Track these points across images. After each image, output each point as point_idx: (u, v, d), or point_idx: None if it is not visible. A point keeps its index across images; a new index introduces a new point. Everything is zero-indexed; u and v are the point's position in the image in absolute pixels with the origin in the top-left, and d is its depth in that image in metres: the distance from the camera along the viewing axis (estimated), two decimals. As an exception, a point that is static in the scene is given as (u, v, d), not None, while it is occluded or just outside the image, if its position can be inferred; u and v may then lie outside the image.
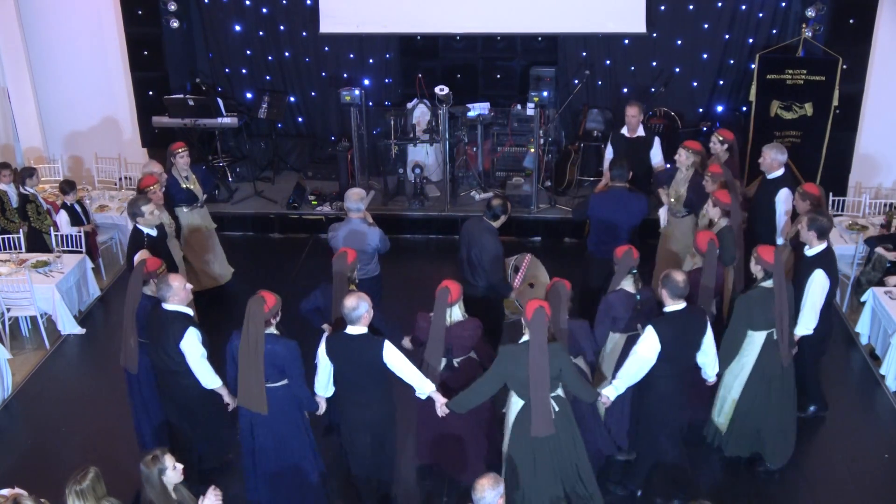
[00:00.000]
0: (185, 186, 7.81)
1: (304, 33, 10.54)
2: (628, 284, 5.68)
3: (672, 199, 7.36)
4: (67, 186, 8.46)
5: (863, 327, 7.55)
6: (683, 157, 7.21)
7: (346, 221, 6.62)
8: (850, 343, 7.61)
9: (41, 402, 6.97)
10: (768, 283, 5.53)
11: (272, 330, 5.15)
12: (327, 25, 10.27)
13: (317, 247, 9.52)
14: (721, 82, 10.43)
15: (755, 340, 5.69)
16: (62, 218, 8.38)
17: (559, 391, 5.06)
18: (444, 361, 5.54)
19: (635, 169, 7.56)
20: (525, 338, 4.93)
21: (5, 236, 8.15)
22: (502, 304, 6.76)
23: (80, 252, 8.27)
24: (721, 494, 5.82)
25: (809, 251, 6.02)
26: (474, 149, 10.21)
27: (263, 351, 5.03)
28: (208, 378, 5.49)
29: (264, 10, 10.45)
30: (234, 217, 9.98)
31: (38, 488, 4.99)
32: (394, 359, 5.10)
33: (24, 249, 8.14)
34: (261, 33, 10.61)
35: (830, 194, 8.99)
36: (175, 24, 10.10)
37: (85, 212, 8.67)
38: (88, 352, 7.72)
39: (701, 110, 10.52)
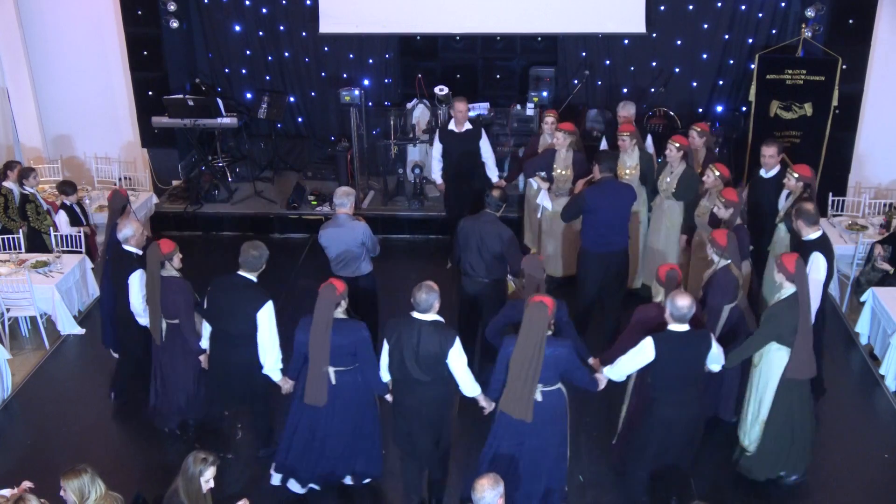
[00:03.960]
0: None
1: (304, 33, 10.54)
2: (661, 296, 5.64)
3: (559, 178, 7.87)
4: (68, 187, 8.44)
5: (862, 327, 7.55)
6: (711, 179, 7.10)
7: (333, 218, 6.67)
8: (850, 343, 7.61)
9: (41, 402, 6.96)
10: (790, 290, 5.45)
11: (340, 314, 5.21)
12: (327, 25, 10.27)
13: (316, 247, 9.44)
14: (721, 82, 10.43)
15: (778, 358, 5.58)
16: (61, 218, 8.37)
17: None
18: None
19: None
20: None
21: (5, 236, 8.14)
22: (506, 296, 6.77)
23: (80, 252, 8.26)
24: (720, 495, 5.82)
25: (806, 238, 6.12)
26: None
27: (329, 336, 5.12)
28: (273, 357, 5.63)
29: (264, 10, 10.45)
30: (234, 217, 9.98)
31: (38, 488, 4.99)
32: (457, 355, 5.12)
33: (23, 249, 8.14)
34: (260, 33, 10.61)
35: (830, 194, 9.01)
36: (175, 24, 10.10)
37: (84, 212, 8.66)
38: (88, 352, 7.71)
39: (701, 110, 10.52)
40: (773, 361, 5.61)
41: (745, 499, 5.81)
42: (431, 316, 5.11)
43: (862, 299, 7.59)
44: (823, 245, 6.11)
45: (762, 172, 7.36)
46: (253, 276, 5.63)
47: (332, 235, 6.55)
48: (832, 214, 8.91)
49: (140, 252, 6.22)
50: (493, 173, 8.72)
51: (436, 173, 8.70)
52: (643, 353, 5.14)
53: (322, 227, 6.73)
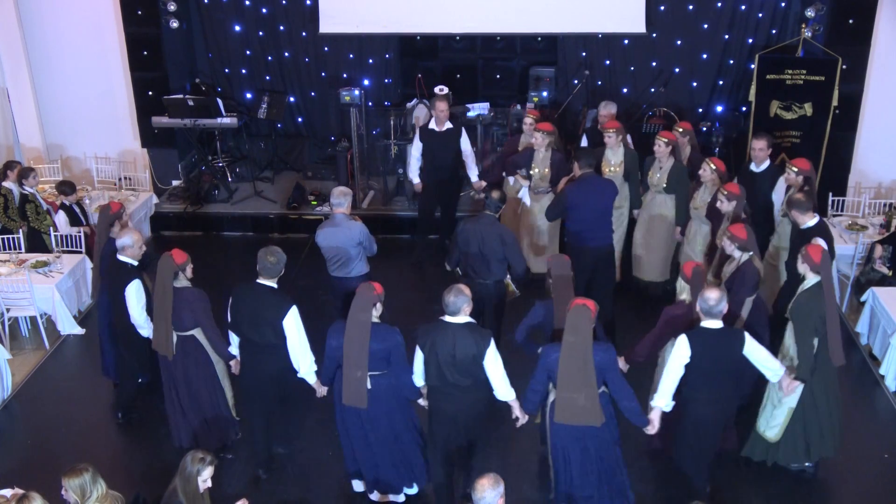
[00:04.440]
0: None
1: (304, 33, 10.54)
2: (687, 295, 5.62)
3: (537, 177, 8.03)
4: (68, 188, 8.45)
5: (862, 327, 7.55)
6: (707, 172, 7.22)
7: (330, 218, 6.63)
8: (850, 343, 7.60)
9: (41, 402, 6.97)
10: (814, 280, 5.47)
11: (375, 318, 5.16)
12: (327, 25, 10.27)
13: (316, 247, 9.49)
14: (721, 82, 10.43)
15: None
16: (61, 218, 8.37)
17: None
18: None
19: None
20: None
21: (5, 236, 8.14)
22: (505, 296, 6.80)
23: (80, 252, 8.26)
24: (720, 495, 5.82)
25: (805, 226, 6.26)
26: (474, 149, 10.19)
27: (369, 339, 5.05)
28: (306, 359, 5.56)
29: (264, 11, 10.45)
30: (234, 217, 9.98)
31: (39, 488, 4.99)
32: (493, 356, 5.09)
33: (23, 249, 8.14)
34: (260, 33, 10.61)
35: (830, 194, 9.00)
36: (175, 24, 10.10)
37: (84, 212, 8.66)
38: (88, 352, 7.70)
39: (700, 110, 10.52)
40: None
41: (745, 499, 5.81)
42: (463, 318, 5.07)
43: (862, 299, 7.59)
44: (822, 230, 6.24)
45: (752, 167, 7.52)
46: (273, 283, 5.53)
47: (329, 235, 6.54)
48: (832, 214, 8.91)
49: (136, 263, 6.09)
50: (472, 172, 8.79)
51: (413, 173, 8.73)
52: (679, 354, 5.10)
53: (319, 227, 6.70)
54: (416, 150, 8.66)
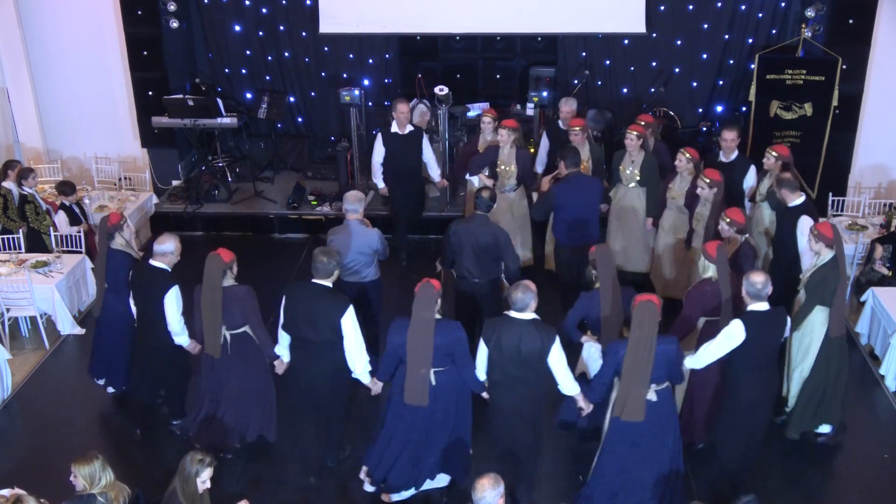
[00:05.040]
0: None
1: (304, 33, 10.54)
2: (712, 273, 5.78)
3: (504, 175, 8.08)
4: (67, 188, 8.45)
5: (862, 327, 7.55)
6: (683, 162, 7.40)
7: (344, 224, 6.56)
8: (850, 343, 7.59)
9: (41, 402, 6.96)
10: (828, 255, 5.83)
11: (437, 314, 5.19)
12: (327, 25, 10.27)
13: (317, 247, 9.49)
14: (721, 82, 10.44)
15: (820, 320, 5.89)
16: (61, 218, 8.37)
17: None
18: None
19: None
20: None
21: (5, 236, 8.14)
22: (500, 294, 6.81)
23: (80, 252, 8.27)
24: (719, 495, 5.81)
25: (792, 204, 6.60)
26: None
27: (433, 337, 5.08)
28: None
29: (264, 11, 10.45)
30: (234, 217, 9.98)
31: (38, 488, 5.00)
32: (558, 352, 5.15)
33: (23, 250, 8.14)
34: (260, 33, 10.61)
35: (830, 194, 9.01)
36: (175, 24, 10.10)
37: (83, 212, 8.66)
38: (88, 352, 7.68)
39: (700, 110, 10.53)
40: (815, 323, 5.95)
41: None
42: (529, 315, 5.13)
43: (862, 299, 7.59)
44: (808, 208, 6.59)
45: (722, 157, 7.67)
46: (328, 282, 5.53)
47: (345, 243, 6.42)
48: (832, 214, 8.92)
49: (170, 269, 5.96)
50: (434, 173, 8.80)
51: (377, 177, 8.66)
52: (733, 336, 5.20)
53: (332, 233, 6.56)
54: (377, 154, 8.53)
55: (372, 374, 5.65)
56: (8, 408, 6.87)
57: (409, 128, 8.49)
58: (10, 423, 6.75)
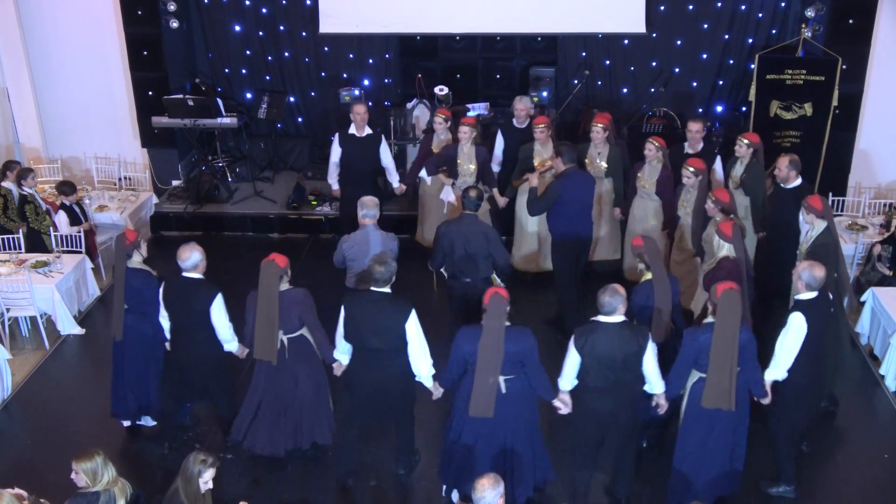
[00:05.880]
0: None
1: (304, 33, 10.54)
2: (728, 251, 6.02)
3: (464, 174, 8.19)
4: (68, 188, 8.45)
5: (862, 327, 7.55)
6: (652, 151, 7.68)
7: (362, 229, 6.42)
8: (850, 343, 7.61)
9: (41, 402, 6.96)
10: (822, 226, 6.21)
11: (507, 321, 5.16)
12: (327, 25, 10.27)
13: (316, 247, 9.52)
14: (721, 82, 10.43)
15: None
16: (61, 218, 8.37)
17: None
18: None
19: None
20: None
21: (5, 236, 8.14)
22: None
23: (80, 252, 8.27)
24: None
25: (790, 185, 7.04)
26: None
27: (503, 346, 5.04)
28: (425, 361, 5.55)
29: (264, 11, 10.45)
30: (234, 217, 9.97)
31: (39, 488, 5.00)
32: (651, 353, 5.20)
33: (23, 250, 8.14)
34: (260, 33, 10.61)
35: (830, 194, 9.00)
36: (175, 24, 10.09)
37: (84, 212, 8.66)
38: (88, 352, 7.72)
39: (700, 110, 10.51)
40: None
41: (745, 498, 5.80)
42: (619, 317, 5.13)
43: (862, 299, 7.59)
44: (809, 190, 7.00)
45: (687, 149, 7.92)
46: (388, 289, 5.47)
47: (363, 251, 6.31)
48: (832, 215, 8.91)
49: (203, 276, 5.81)
50: (393, 179, 8.75)
51: (332, 178, 8.61)
52: (801, 330, 5.30)
53: (346, 240, 6.44)
54: (334, 154, 8.49)
55: (434, 377, 5.59)
56: (8, 408, 6.88)
57: (368, 131, 8.40)
58: (10, 423, 6.75)
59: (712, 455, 5.32)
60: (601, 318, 5.14)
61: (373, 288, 5.48)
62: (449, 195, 8.35)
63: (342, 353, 5.72)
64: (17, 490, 4.88)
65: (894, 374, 6.96)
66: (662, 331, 5.65)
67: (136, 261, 6.07)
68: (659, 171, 7.62)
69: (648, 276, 5.76)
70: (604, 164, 8.00)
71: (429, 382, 5.60)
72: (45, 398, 7.01)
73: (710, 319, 5.19)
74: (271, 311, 5.56)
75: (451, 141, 8.44)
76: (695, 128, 7.86)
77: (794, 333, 5.34)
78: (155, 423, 6.48)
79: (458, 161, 8.17)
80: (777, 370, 5.44)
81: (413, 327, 5.41)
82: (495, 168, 8.62)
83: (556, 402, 5.41)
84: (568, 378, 5.28)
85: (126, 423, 6.45)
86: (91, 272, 8.32)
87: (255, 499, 5.69)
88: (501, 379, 5.15)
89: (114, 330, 6.10)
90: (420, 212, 8.94)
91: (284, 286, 5.67)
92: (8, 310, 7.61)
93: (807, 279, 5.37)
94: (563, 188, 7.08)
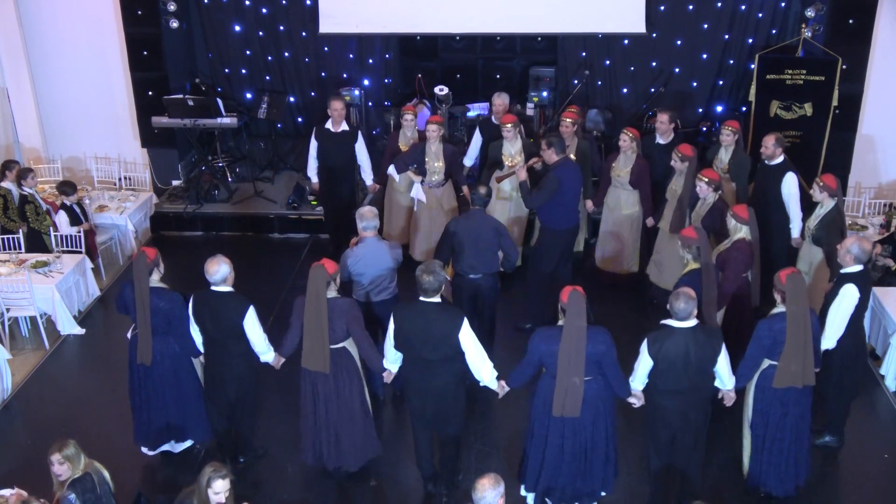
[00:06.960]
0: None
1: (304, 33, 10.54)
2: (744, 233, 6.34)
3: (432, 171, 8.27)
4: (68, 188, 8.45)
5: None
6: (627, 141, 7.90)
7: (362, 242, 6.23)
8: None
9: (41, 402, 6.97)
10: (832, 203, 6.63)
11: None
12: (327, 26, 10.27)
13: (316, 247, 9.51)
14: (721, 82, 10.44)
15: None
16: (61, 218, 8.37)
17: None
18: None
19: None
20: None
21: (5, 236, 8.14)
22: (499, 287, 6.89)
23: (80, 252, 8.26)
24: (719, 495, 5.82)
25: (772, 162, 7.38)
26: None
27: (585, 346, 5.00)
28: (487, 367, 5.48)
29: (264, 11, 10.45)
30: (234, 217, 9.97)
31: (38, 488, 5.00)
32: (724, 355, 5.22)
33: (23, 250, 8.14)
34: (260, 33, 10.61)
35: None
36: (175, 24, 10.10)
37: (84, 212, 8.66)
38: (88, 352, 7.72)
39: (700, 110, 10.52)
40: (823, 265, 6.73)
41: (745, 498, 5.80)
42: (692, 322, 5.11)
43: (862, 299, 7.60)
44: (790, 165, 7.36)
45: (659, 139, 8.16)
46: (437, 298, 5.32)
47: (370, 263, 6.18)
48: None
49: (232, 289, 5.66)
50: (367, 176, 8.75)
51: (311, 171, 8.68)
52: (854, 299, 5.61)
53: (350, 255, 6.21)
54: (312, 148, 8.54)
55: (498, 378, 5.49)
56: (8, 408, 6.88)
57: (344, 126, 8.41)
58: (10, 423, 6.75)
59: (794, 433, 5.45)
60: (674, 323, 5.11)
61: (422, 298, 5.33)
62: (419, 193, 8.31)
63: (391, 363, 5.61)
64: (17, 490, 4.88)
65: (894, 374, 6.96)
66: (714, 321, 5.82)
67: (155, 279, 5.78)
68: (633, 161, 7.84)
69: (693, 265, 5.90)
70: (572, 157, 8.03)
71: (493, 385, 5.48)
72: (45, 398, 7.01)
73: (779, 308, 5.28)
74: (321, 319, 5.40)
75: (418, 139, 8.44)
76: (662, 118, 8.11)
77: (847, 303, 5.63)
78: (186, 446, 6.25)
79: (426, 159, 8.21)
80: (830, 339, 5.66)
81: (468, 336, 5.29)
82: (468, 163, 8.73)
83: (630, 399, 5.40)
84: (640, 380, 5.31)
85: (150, 452, 6.18)
86: (91, 272, 8.32)
87: (256, 499, 5.68)
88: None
89: (141, 355, 5.76)
90: (387, 207, 8.87)
91: (332, 293, 5.51)
92: (8, 310, 7.61)
93: (856, 253, 5.68)
94: (563, 178, 7.12)
